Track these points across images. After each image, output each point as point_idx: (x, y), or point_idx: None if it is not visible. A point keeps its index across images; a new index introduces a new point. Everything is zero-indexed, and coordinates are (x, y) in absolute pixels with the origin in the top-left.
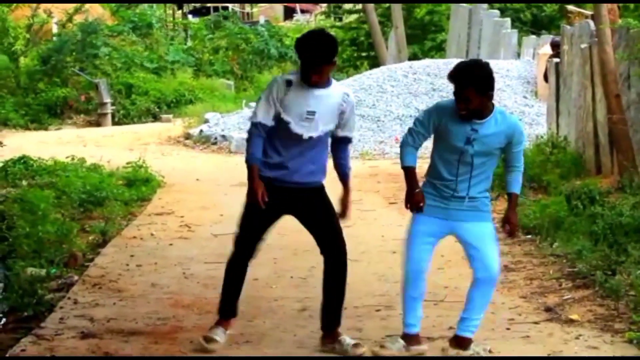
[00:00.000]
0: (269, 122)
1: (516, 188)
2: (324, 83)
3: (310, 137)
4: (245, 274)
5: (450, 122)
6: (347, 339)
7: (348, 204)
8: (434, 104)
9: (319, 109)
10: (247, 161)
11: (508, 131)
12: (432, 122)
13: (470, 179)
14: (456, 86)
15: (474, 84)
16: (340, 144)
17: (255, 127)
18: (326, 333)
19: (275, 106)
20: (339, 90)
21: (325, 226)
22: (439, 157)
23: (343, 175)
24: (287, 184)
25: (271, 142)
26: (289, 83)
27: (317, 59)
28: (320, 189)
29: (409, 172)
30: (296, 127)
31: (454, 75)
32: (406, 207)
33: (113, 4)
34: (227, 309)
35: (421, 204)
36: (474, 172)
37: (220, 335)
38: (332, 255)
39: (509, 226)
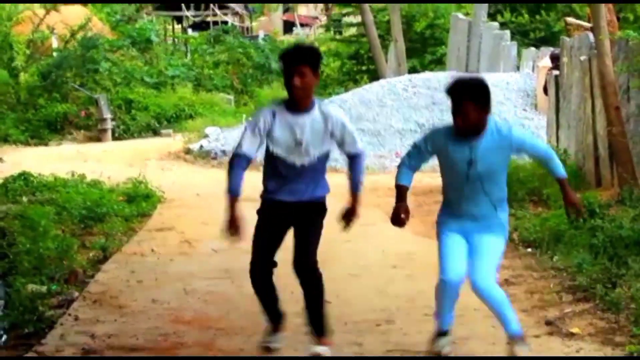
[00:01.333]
0: (253, 154)
1: (559, 172)
2: (307, 97)
3: (303, 165)
4: (272, 283)
5: (450, 145)
6: (312, 348)
7: (351, 216)
8: (430, 130)
9: (305, 136)
10: (227, 192)
11: (504, 142)
12: (428, 148)
13: (479, 198)
14: (454, 101)
15: (472, 98)
16: (350, 160)
17: (238, 157)
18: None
19: (261, 137)
20: (322, 112)
21: (299, 241)
22: (446, 182)
23: (353, 188)
24: (288, 201)
25: (268, 170)
26: (273, 114)
27: (296, 59)
28: (321, 204)
29: (399, 190)
30: (288, 158)
31: (451, 90)
32: (391, 221)
33: (113, 19)
34: (273, 316)
35: (402, 216)
36: (483, 191)
37: (276, 340)
38: (299, 271)
39: (575, 207)
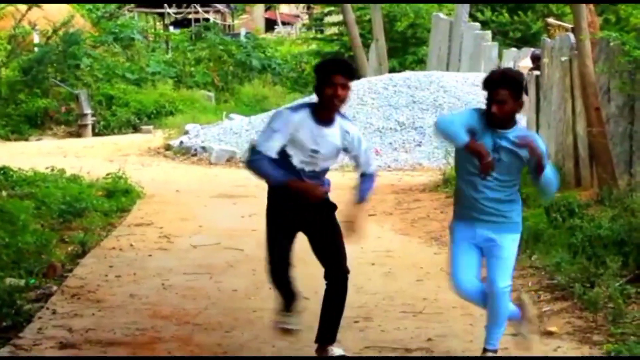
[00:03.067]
0: (273, 155)
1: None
2: (338, 111)
3: (313, 170)
4: (290, 279)
5: (480, 130)
6: (334, 350)
7: (354, 219)
8: (465, 109)
9: (322, 148)
10: (278, 183)
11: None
12: (469, 121)
13: (495, 194)
14: (492, 88)
15: (510, 85)
16: (360, 177)
17: (258, 153)
18: (319, 347)
19: (280, 141)
20: (341, 126)
21: (326, 247)
22: (462, 174)
23: (357, 199)
24: (295, 202)
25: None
26: (299, 120)
27: (339, 71)
28: (329, 204)
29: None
30: (297, 163)
31: (488, 79)
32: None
33: (95, 16)
34: (288, 297)
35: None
36: (501, 185)
37: (294, 322)
38: (335, 277)
39: None
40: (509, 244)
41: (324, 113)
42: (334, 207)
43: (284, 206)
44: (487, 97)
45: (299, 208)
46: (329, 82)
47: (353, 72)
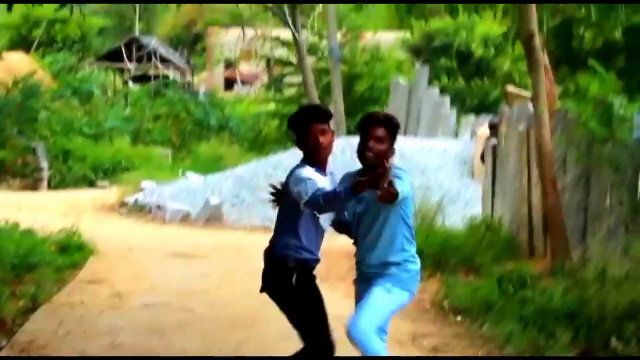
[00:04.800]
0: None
1: None
2: (328, 153)
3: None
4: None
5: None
6: None
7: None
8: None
9: None
10: (345, 196)
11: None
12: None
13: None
14: (366, 126)
15: (386, 124)
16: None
17: (315, 190)
18: None
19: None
20: (330, 172)
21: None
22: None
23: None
24: (313, 263)
25: (296, 226)
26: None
27: (323, 118)
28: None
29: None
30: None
31: (364, 120)
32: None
33: (55, 68)
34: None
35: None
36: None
37: None
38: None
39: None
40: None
41: (321, 163)
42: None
43: (312, 265)
44: (362, 137)
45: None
46: (307, 134)
47: (327, 114)
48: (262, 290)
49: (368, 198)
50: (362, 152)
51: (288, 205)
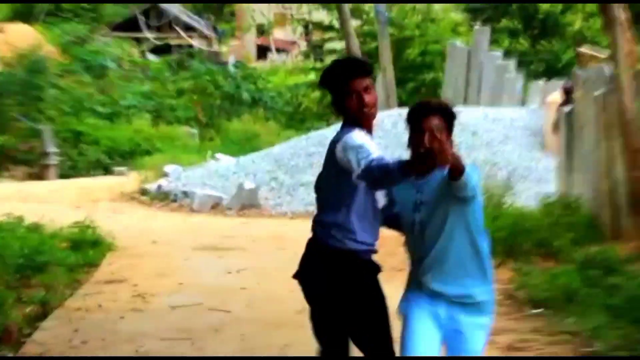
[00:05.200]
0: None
1: None
2: (374, 115)
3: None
4: None
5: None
6: None
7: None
8: None
9: None
10: (398, 174)
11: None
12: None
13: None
14: (417, 118)
15: (442, 112)
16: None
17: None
18: None
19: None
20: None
21: None
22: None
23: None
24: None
25: (359, 211)
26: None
27: (349, 74)
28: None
29: None
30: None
31: (414, 110)
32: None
33: (63, 41)
34: None
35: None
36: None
37: None
38: None
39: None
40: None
41: (364, 127)
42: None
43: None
44: (413, 131)
45: None
46: (348, 93)
47: (369, 67)
48: (312, 295)
49: (429, 202)
50: (415, 150)
51: (338, 177)
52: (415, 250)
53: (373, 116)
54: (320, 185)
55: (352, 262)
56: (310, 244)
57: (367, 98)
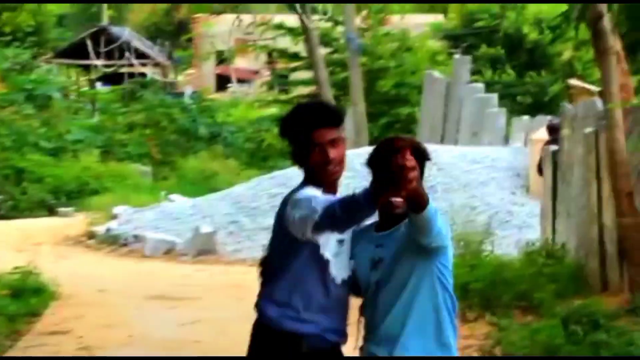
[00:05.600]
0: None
1: None
2: (339, 174)
3: (340, 270)
4: None
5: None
6: None
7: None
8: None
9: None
10: (363, 202)
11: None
12: None
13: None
14: (388, 155)
15: (414, 152)
16: None
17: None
18: None
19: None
20: None
21: None
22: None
23: None
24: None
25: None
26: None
27: (315, 121)
28: None
29: None
30: (330, 255)
31: (381, 148)
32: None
33: (3, 67)
34: None
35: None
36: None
37: None
38: None
39: None
40: None
41: (326, 188)
42: None
43: None
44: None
45: None
46: (311, 145)
47: (338, 116)
48: None
49: (388, 258)
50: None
51: (284, 246)
52: (368, 316)
53: (338, 174)
54: (267, 258)
55: (293, 348)
56: (255, 326)
57: (333, 153)
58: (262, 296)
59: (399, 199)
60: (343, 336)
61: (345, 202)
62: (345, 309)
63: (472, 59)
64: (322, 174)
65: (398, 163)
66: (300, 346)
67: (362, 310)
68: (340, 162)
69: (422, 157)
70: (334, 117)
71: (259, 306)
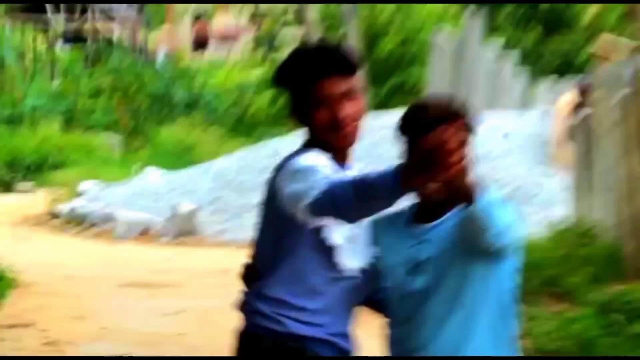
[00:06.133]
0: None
1: None
2: (354, 136)
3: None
4: None
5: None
6: None
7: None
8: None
9: None
10: (385, 189)
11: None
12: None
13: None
14: (424, 125)
15: (452, 117)
16: None
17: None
18: None
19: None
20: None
21: None
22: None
23: None
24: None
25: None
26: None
27: (324, 68)
28: None
29: None
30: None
31: (407, 118)
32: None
33: None
34: None
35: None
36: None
37: None
38: None
39: None
40: None
41: (335, 153)
42: None
43: None
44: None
45: None
46: (316, 99)
47: (352, 62)
48: None
49: (434, 259)
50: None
51: (279, 227)
52: (405, 338)
53: (351, 139)
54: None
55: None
56: (241, 336)
57: (345, 110)
58: (251, 293)
59: (433, 185)
60: (353, 343)
61: (359, 183)
62: (352, 309)
63: (490, 15)
64: (330, 138)
65: (435, 140)
66: (303, 353)
67: (395, 325)
68: (356, 119)
69: (468, 128)
70: (346, 62)
71: (246, 307)
